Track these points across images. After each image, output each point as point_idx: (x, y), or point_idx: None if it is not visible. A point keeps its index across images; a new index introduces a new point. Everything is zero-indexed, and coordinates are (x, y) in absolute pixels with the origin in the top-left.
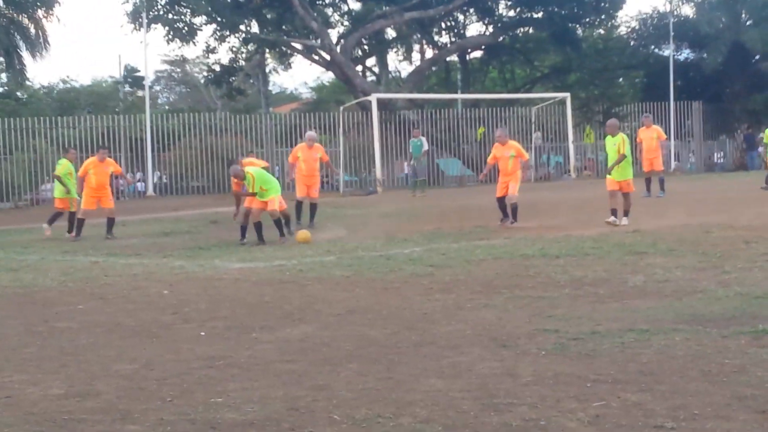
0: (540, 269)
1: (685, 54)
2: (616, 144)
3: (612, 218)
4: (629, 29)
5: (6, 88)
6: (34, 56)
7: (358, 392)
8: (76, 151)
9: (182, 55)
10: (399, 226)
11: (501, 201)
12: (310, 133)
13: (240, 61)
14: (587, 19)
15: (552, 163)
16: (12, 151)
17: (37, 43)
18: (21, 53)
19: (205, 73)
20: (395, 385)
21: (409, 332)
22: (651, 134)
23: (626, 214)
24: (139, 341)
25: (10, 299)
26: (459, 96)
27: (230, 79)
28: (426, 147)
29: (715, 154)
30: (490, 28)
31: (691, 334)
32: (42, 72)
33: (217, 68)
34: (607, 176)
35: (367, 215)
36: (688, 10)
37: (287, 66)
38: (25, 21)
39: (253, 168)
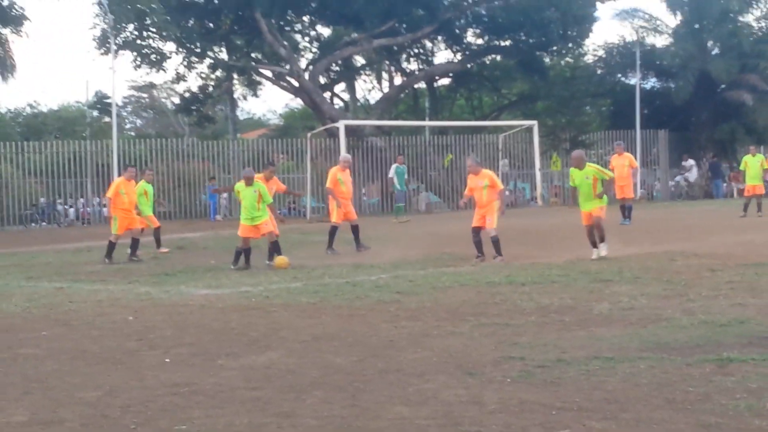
0: (506, 296)
1: (652, 83)
2: (589, 177)
3: (596, 252)
4: (596, 58)
5: None
6: (4, 78)
7: (324, 420)
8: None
9: (150, 82)
10: (364, 252)
11: (476, 233)
12: (346, 156)
13: (209, 87)
14: (554, 48)
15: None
16: None
17: (4, 65)
18: None
19: (172, 99)
20: (361, 413)
21: (374, 359)
22: (623, 161)
23: (602, 240)
24: (104, 368)
25: None
26: (427, 123)
27: (199, 107)
28: (406, 175)
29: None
30: (458, 56)
31: (656, 362)
32: (8, 96)
33: (187, 95)
34: (583, 210)
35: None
36: (654, 40)
37: (256, 92)
38: None
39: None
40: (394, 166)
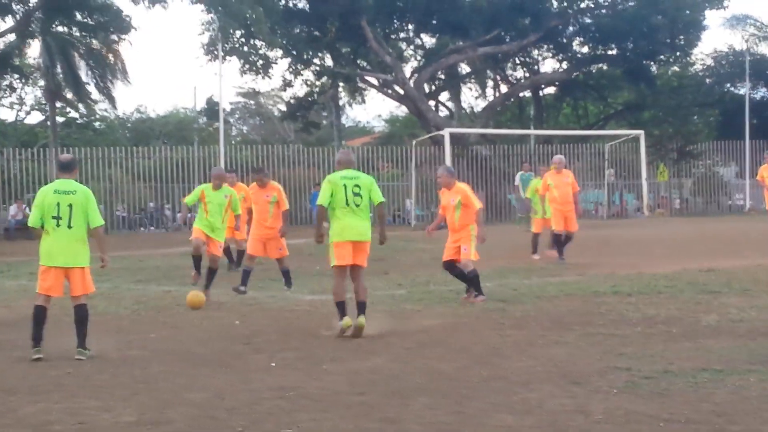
0: (612, 306)
1: (762, 93)
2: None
3: None
4: (704, 67)
5: (86, 119)
6: (110, 86)
7: (428, 426)
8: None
9: (256, 89)
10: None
11: (450, 268)
12: (559, 157)
13: (314, 94)
14: (662, 57)
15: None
16: (89, 180)
17: (114, 72)
18: (98, 83)
19: (279, 106)
20: (465, 420)
21: (479, 367)
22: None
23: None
24: (211, 370)
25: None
26: (532, 132)
27: (305, 113)
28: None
29: None
30: (564, 64)
31: (766, 375)
32: (119, 102)
33: (293, 102)
34: None
35: (438, 250)
36: (764, 48)
37: (361, 99)
38: (102, 48)
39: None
40: (519, 173)
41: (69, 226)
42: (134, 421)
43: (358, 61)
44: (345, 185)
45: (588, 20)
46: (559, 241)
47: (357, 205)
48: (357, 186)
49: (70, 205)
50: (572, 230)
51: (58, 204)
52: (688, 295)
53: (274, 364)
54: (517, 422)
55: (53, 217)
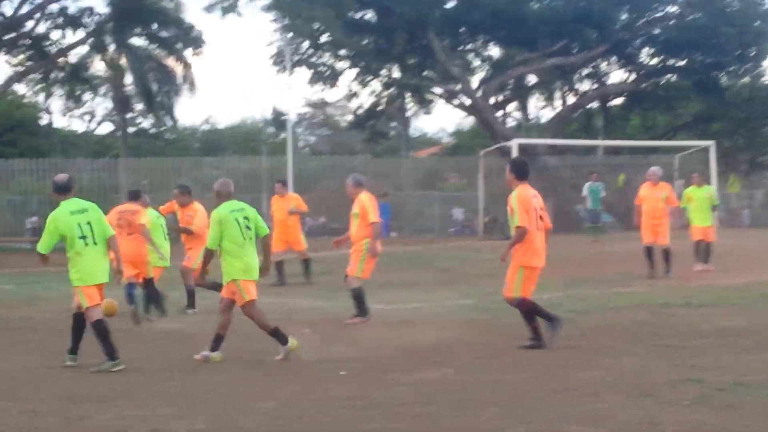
0: (682, 318)
1: None
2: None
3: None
4: None
5: (156, 129)
6: (180, 97)
7: None
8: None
9: (324, 99)
10: None
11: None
12: (654, 170)
13: (381, 105)
14: (731, 68)
15: None
16: (158, 189)
17: (184, 84)
18: (168, 94)
19: (346, 117)
20: (534, 431)
21: (548, 377)
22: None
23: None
24: (279, 379)
25: (154, 335)
26: (600, 142)
27: (372, 124)
28: (603, 193)
29: None
30: (632, 76)
31: None
32: (187, 112)
33: (360, 113)
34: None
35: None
36: None
37: (428, 110)
38: (173, 62)
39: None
40: (587, 184)
41: (95, 243)
42: (206, 429)
43: (425, 72)
44: (237, 220)
45: (656, 31)
46: (651, 255)
47: (250, 239)
48: (246, 218)
49: (89, 223)
50: (662, 243)
51: (79, 224)
52: (760, 307)
53: (343, 374)
54: None
55: (80, 237)
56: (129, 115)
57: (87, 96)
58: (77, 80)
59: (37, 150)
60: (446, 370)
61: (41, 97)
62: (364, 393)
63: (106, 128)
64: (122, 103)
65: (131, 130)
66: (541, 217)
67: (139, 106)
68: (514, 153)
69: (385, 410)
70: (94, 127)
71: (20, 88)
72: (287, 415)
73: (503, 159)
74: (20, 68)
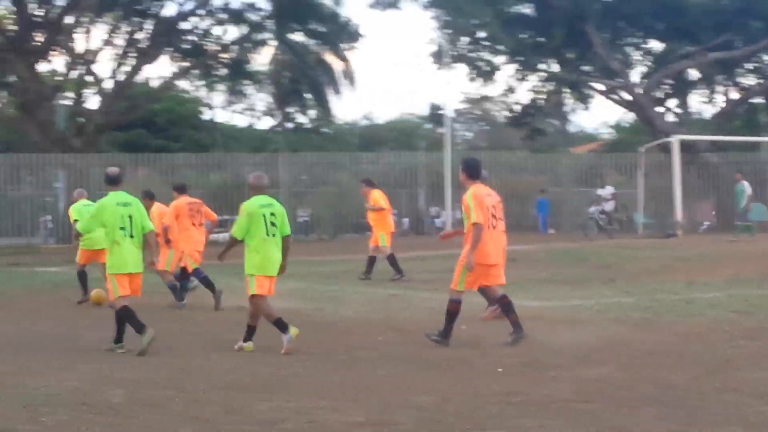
0: None
1: None
2: None
3: None
4: None
5: (314, 124)
6: (339, 92)
7: None
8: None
9: (483, 95)
10: (698, 269)
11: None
12: None
13: (539, 101)
14: None
15: None
16: (318, 184)
17: (343, 80)
18: (327, 90)
19: (504, 112)
20: None
21: (710, 378)
22: None
23: None
24: (436, 374)
25: (313, 328)
26: (764, 139)
27: (531, 120)
28: (749, 192)
29: None
30: None
31: None
32: (346, 107)
33: (518, 108)
34: None
35: (664, 257)
36: None
37: (585, 106)
38: (332, 57)
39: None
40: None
41: (131, 236)
42: (362, 422)
43: (584, 67)
44: (264, 215)
45: None
46: None
47: (273, 235)
48: (273, 215)
49: (130, 216)
50: None
51: (122, 216)
52: None
53: (500, 370)
54: None
55: (121, 228)
56: (288, 110)
57: (248, 91)
58: (239, 75)
59: (199, 144)
60: (605, 368)
61: (203, 92)
62: (521, 389)
63: (267, 123)
64: (282, 98)
65: (290, 125)
66: (494, 216)
67: (298, 101)
68: (675, 149)
69: (542, 407)
70: (255, 122)
71: (183, 84)
72: (443, 409)
73: (665, 155)
74: (183, 64)
